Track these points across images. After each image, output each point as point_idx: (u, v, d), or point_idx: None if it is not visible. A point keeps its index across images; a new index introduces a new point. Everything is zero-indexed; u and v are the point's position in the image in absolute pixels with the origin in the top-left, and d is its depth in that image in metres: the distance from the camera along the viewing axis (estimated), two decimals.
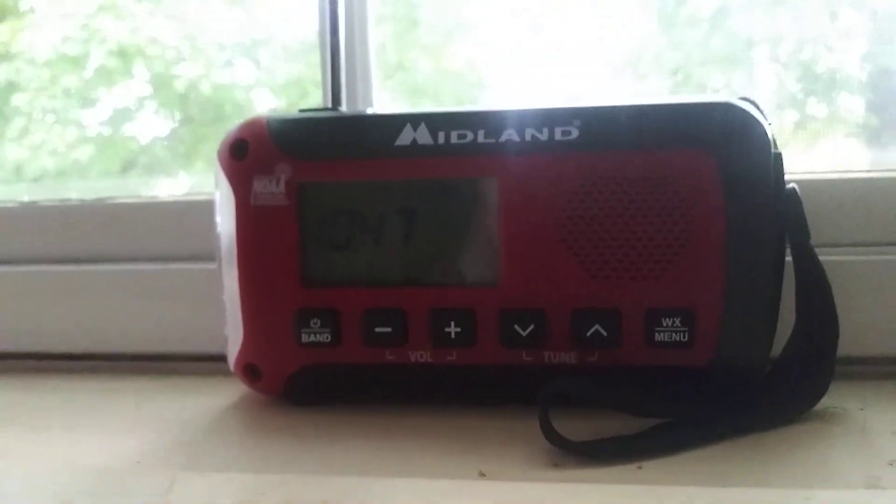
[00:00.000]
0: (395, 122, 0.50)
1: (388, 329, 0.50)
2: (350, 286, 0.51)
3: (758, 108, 0.49)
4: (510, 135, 0.48)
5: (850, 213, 0.58)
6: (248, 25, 0.80)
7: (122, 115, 0.82)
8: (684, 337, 0.47)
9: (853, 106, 0.69)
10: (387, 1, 0.74)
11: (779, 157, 0.47)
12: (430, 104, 0.76)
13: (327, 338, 0.51)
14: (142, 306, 0.68)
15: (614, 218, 0.47)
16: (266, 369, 0.53)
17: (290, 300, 0.51)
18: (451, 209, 0.50)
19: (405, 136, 0.49)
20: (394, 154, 0.49)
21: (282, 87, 0.79)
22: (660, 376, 0.48)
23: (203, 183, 0.77)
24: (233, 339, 0.53)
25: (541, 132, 0.48)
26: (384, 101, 0.74)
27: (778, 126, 0.66)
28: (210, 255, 0.55)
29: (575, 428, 0.44)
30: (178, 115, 0.82)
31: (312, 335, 0.51)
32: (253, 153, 0.51)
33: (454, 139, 0.49)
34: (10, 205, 0.73)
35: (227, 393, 0.58)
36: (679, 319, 0.47)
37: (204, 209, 0.56)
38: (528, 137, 0.48)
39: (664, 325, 0.47)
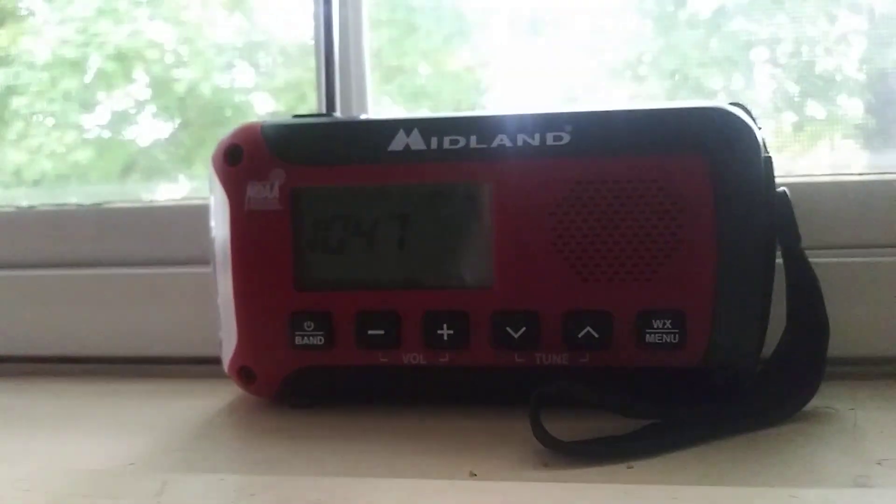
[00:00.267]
0: (388, 128, 0.50)
1: (381, 332, 0.50)
2: (343, 289, 0.51)
3: (748, 112, 0.49)
4: (502, 140, 0.49)
5: (840, 216, 0.58)
6: (247, 29, 0.80)
7: (121, 119, 0.82)
8: (675, 338, 0.48)
9: (851, 108, 0.69)
10: (385, 5, 0.74)
11: (769, 160, 0.47)
12: (430, 107, 0.76)
13: (321, 340, 0.51)
14: (137, 310, 0.68)
15: (605, 221, 0.48)
16: (260, 372, 0.53)
17: (284, 303, 0.51)
18: (443, 214, 0.50)
19: (398, 142, 0.50)
20: (387, 159, 0.50)
21: (281, 91, 0.79)
22: (651, 377, 0.49)
23: (203, 186, 0.78)
24: (227, 342, 0.54)
25: (532, 137, 0.49)
26: (384, 104, 0.74)
27: (776, 128, 0.67)
28: (205, 259, 0.55)
29: (566, 428, 0.44)
30: (177, 119, 0.82)
31: (306, 338, 0.51)
32: (247, 159, 0.51)
33: (447, 144, 0.49)
34: (6, 209, 0.74)
35: (221, 395, 0.58)
36: (670, 321, 0.48)
37: (199, 213, 0.56)
38: (520, 143, 0.49)
39: (655, 326, 0.48)
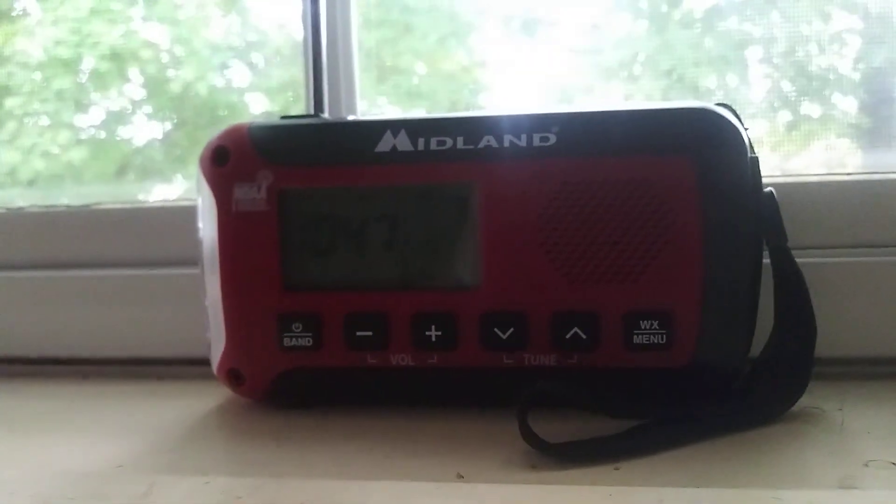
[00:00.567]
0: (375, 129, 0.50)
1: (370, 333, 0.50)
2: (331, 291, 0.51)
3: (735, 113, 0.49)
4: (489, 141, 0.49)
5: (831, 216, 0.58)
6: (241, 29, 0.81)
7: (116, 119, 0.82)
8: (662, 339, 0.48)
9: (846, 106, 0.69)
10: (380, 6, 0.74)
11: (755, 161, 0.48)
12: (425, 107, 0.76)
13: (309, 342, 0.51)
14: (125, 311, 0.69)
15: (592, 222, 0.48)
16: (248, 373, 0.53)
17: (272, 305, 0.51)
18: (431, 215, 0.50)
19: (385, 143, 0.50)
20: (374, 160, 0.50)
21: (276, 91, 0.80)
22: (638, 378, 0.49)
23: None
24: (216, 344, 0.54)
25: (519, 138, 0.49)
26: (379, 105, 0.74)
27: (771, 127, 0.67)
28: (195, 260, 0.55)
29: (553, 429, 0.44)
30: (172, 119, 0.82)
31: (294, 339, 0.51)
32: (234, 160, 0.52)
33: (434, 146, 0.49)
34: None
35: (211, 397, 0.58)
36: (657, 322, 0.48)
37: (188, 215, 0.56)
38: (506, 144, 0.49)
39: (642, 327, 0.48)
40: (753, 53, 0.70)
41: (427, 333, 0.50)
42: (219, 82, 0.80)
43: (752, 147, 0.48)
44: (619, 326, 0.48)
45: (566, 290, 0.48)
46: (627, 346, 0.48)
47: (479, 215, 0.49)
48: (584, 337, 0.48)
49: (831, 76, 0.69)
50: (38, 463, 0.48)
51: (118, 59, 0.80)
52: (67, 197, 0.78)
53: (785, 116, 0.70)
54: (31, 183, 0.83)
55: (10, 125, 0.83)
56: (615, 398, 0.47)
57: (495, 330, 0.49)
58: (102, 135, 0.83)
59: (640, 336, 0.48)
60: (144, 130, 0.83)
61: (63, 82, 0.81)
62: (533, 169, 0.48)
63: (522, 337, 0.49)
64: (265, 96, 0.81)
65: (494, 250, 0.49)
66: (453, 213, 0.50)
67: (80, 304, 0.70)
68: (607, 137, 0.48)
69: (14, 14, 0.82)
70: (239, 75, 0.81)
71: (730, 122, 0.48)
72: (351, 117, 0.67)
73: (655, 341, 0.48)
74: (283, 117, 0.54)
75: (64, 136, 0.82)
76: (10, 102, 0.82)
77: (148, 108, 0.82)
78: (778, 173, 0.64)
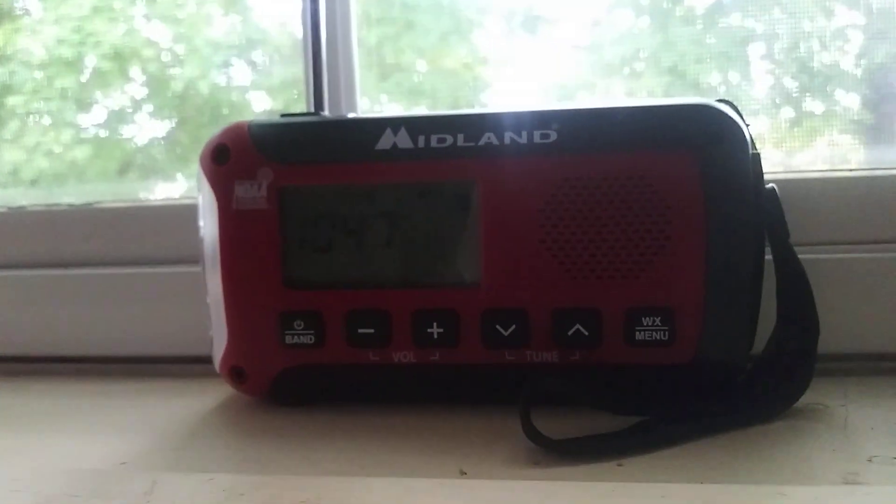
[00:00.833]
0: (375, 126, 0.50)
1: (372, 330, 0.51)
2: (333, 288, 0.51)
3: (736, 109, 0.49)
4: (489, 138, 0.49)
5: (834, 212, 0.58)
6: (242, 27, 0.81)
7: (118, 118, 0.82)
8: (665, 336, 0.48)
9: (849, 103, 0.69)
10: (381, 3, 0.74)
11: (757, 157, 0.48)
12: (427, 105, 0.76)
13: (311, 339, 0.51)
14: (128, 309, 0.69)
15: (593, 219, 0.48)
16: (251, 371, 0.53)
17: (274, 303, 0.52)
18: (431, 212, 0.50)
19: (386, 140, 0.50)
20: (375, 158, 0.50)
21: (277, 89, 0.80)
22: (640, 375, 0.49)
23: None
24: (218, 342, 0.54)
25: (520, 135, 0.49)
26: (381, 101, 0.74)
27: (773, 123, 0.67)
28: (195, 258, 0.55)
29: (556, 426, 0.44)
30: (174, 117, 0.82)
31: (296, 337, 0.51)
32: (234, 158, 0.52)
33: (434, 143, 0.49)
34: None
35: (213, 394, 0.59)
36: (659, 318, 0.48)
37: (190, 213, 0.57)
38: (507, 141, 0.49)
39: (645, 324, 0.48)
40: (756, 50, 0.70)
41: (429, 331, 0.50)
42: (220, 81, 0.80)
43: (753, 143, 0.48)
44: (621, 323, 0.48)
45: (568, 286, 0.48)
46: (629, 343, 0.48)
47: (479, 212, 0.49)
48: (585, 334, 0.48)
49: (834, 72, 0.69)
50: (41, 461, 0.48)
51: (120, 57, 0.80)
52: (70, 196, 0.78)
53: (787, 113, 0.70)
54: (34, 182, 0.84)
55: (13, 124, 0.83)
56: (617, 395, 0.48)
57: (497, 327, 0.49)
58: (104, 133, 0.83)
59: (642, 333, 0.48)
60: (146, 129, 0.83)
61: (65, 81, 0.82)
62: (534, 166, 0.48)
63: (524, 334, 0.49)
64: (267, 94, 0.81)
65: (495, 247, 0.49)
66: (454, 210, 0.50)
67: (83, 302, 0.70)
68: (608, 134, 0.48)
69: (16, 13, 0.82)
70: (240, 74, 0.81)
71: (731, 118, 0.48)
72: (351, 115, 0.67)
73: (658, 338, 0.48)
74: (284, 115, 0.54)
75: (66, 134, 0.83)
76: (12, 101, 0.82)
77: (149, 107, 0.83)
78: (780, 170, 0.64)
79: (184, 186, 0.81)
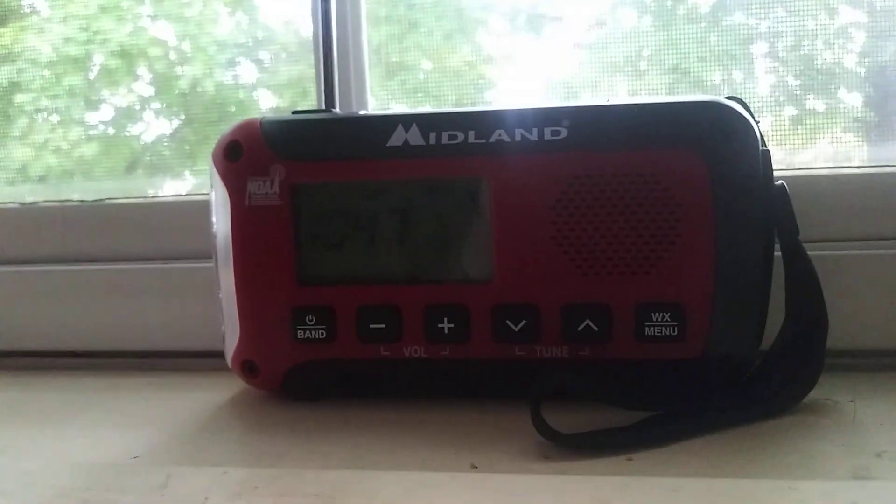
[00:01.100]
0: (386, 123, 0.51)
1: (383, 325, 0.51)
2: (344, 284, 0.52)
3: (745, 106, 0.49)
4: (500, 135, 0.49)
5: (840, 209, 0.59)
6: (248, 26, 0.81)
7: (125, 115, 0.83)
8: (674, 331, 0.48)
9: (852, 101, 0.70)
10: (386, 2, 0.75)
11: (767, 154, 0.48)
12: (432, 104, 0.76)
13: (322, 334, 0.52)
14: (140, 305, 0.69)
15: (604, 216, 0.48)
16: (263, 365, 0.54)
17: (286, 298, 0.52)
18: (443, 208, 0.51)
19: (397, 137, 0.50)
20: (386, 155, 0.50)
21: (283, 87, 0.80)
22: (650, 370, 0.49)
23: (206, 182, 0.78)
24: (230, 337, 0.54)
25: (530, 132, 0.49)
26: (383, 100, 0.74)
27: (776, 122, 0.67)
28: (208, 254, 0.56)
29: (566, 421, 0.44)
30: (181, 115, 0.82)
31: (308, 332, 0.52)
32: (247, 155, 0.52)
33: (445, 140, 0.50)
34: (10, 205, 0.74)
35: (225, 389, 0.59)
36: (669, 314, 0.48)
37: (201, 209, 0.57)
38: (517, 137, 0.49)
39: (654, 319, 0.48)
40: (759, 48, 0.70)
41: (440, 326, 0.50)
42: (227, 79, 0.81)
43: (763, 140, 0.48)
44: (631, 319, 0.49)
45: (578, 282, 0.49)
46: (639, 339, 0.49)
47: (490, 209, 0.49)
48: (595, 329, 0.49)
49: (837, 71, 0.69)
50: (54, 455, 0.48)
51: (127, 56, 0.80)
52: (78, 193, 0.78)
53: (790, 111, 0.70)
54: (42, 179, 0.84)
55: (22, 121, 0.83)
56: (627, 390, 0.48)
57: (507, 322, 0.50)
58: (112, 131, 0.83)
59: (651, 328, 0.48)
60: (153, 127, 0.83)
61: (73, 79, 0.82)
62: (544, 162, 0.49)
63: (534, 329, 0.49)
64: (273, 93, 0.81)
65: (506, 243, 0.49)
66: (465, 206, 0.50)
67: (94, 297, 0.70)
68: (618, 131, 0.49)
69: (23, 11, 0.82)
70: (246, 72, 0.81)
71: (741, 115, 0.48)
72: (362, 112, 0.68)
73: (667, 333, 0.48)
74: (295, 112, 0.54)
75: (74, 132, 0.83)
76: (20, 98, 0.82)
77: (157, 105, 0.83)
78: (783, 167, 0.65)
79: (191, 184, 0.81)
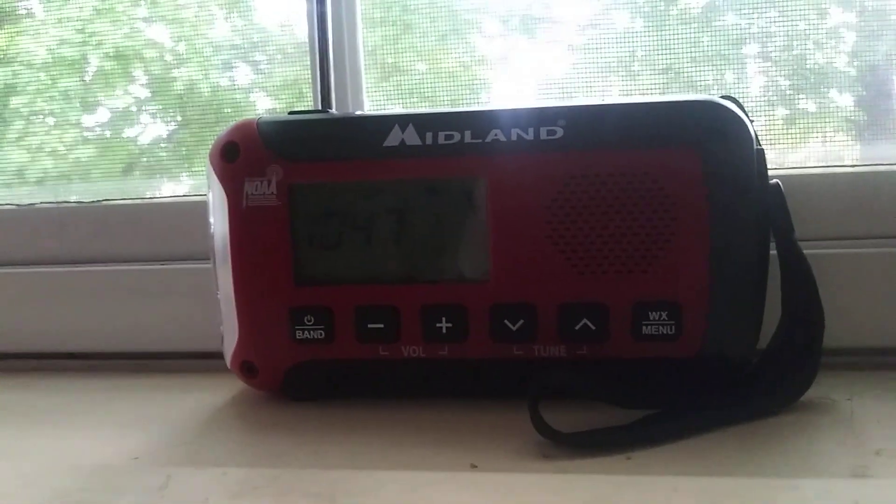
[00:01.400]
0: (383, 124, 0.51)
1: (381, 325, 0.51)
2: (342, 284, 0.52)
3: (740, 105, 0.49)
4: (496, 135, 0.49)
5: (835, 207, 0.59)
6: (244, 28, 0.81)
7: (121, 118, 0.83)
8: (671, 330, 0.48)
9: (842, 102, 0.70)
10: (380, 4, 0.75)
11: (761, 153, 0.48)
12: (426, 105, 0.77)
13: (321, 334, 0.52)
14: (138, 306, 0.69)
15: (600, 215, 0.48)
16: (262, 366, 0.54)
17: (284, 298, 0.52)
18: (439, 208, 0.51)
19: (394, 137, 0.50)
20: (383, 155, 0.50)
21: (279, 89, 0.80)
22: (648, 369, 0.49)
23: (202, 184, 0.78)
24: (229, 337, 0.54)
25: (526, 132, 0.49)
26: (378, 101, 0.74)
27: (768, 122, 0.67)
28: (206, 255, 0.56)
29: (565, 420, 0.44)
30: (177, 117, 0.82)
31: (306, 332, 0.52)
32: (244, 155, 0.52)
33: (442, 140, 0.50)
34: (8, 207, 0.74)
35: (224, 389, 0.59)
36: (666, 313, 0.48)
37: (199, 210, 0.57)
38: (514, 137, 0.49)
39: (651, 318, 0.48)
40: (750, 49, 0.70)
41: (437, 325, 0.50)
42: (222, 81, 0.81)
43: (757, 139, 0.49)
44: (628, 317, 0.49)
45: (575, 281, 0.49)
46: (636, 337, 0.49)
47: (487, 208, 0.50)
48: (593, 328, 0.49)
49: (828, 71, 0.69)
50: (53, 456, 0.48)
51: (122, 58, 0.80)
52: (76, 195, 0.78)
53: (782, 111, 0.70)
54: (39, 182, 0.84)
55: (18, 124, 0.83)
56: (625, 389, 0.48)
57: (505, 322, 0.50)
58: (109, 134, 0.83)
59: (648, 327, 0.48)
60: (150, 129, 0.83)
61: (68, 82, 0.82)
62: (540, 162, 0.49)
63: (532, 328, 0.50)
64: (268, 95, 0.81)
65: (503, 243, 0.50)
66: (462, 206, 0.50)
67: (92, 299, 0.70)
68: (614, 130, 0.49)
69: (19, 13, 0.82)
70: (242, 74, 0.81)
71: (735, 114, 0.48)
72: (359, 112, 0.68)
73: (664, 332, 0.48)
74: (292, 112, 0.55)
75: (70, 134, 0.83)
76: (16, 101, 0.82)
77: (153, 107, 0.83)
78: (775, 167, 0.65)
79: (188, 186, 0.81)
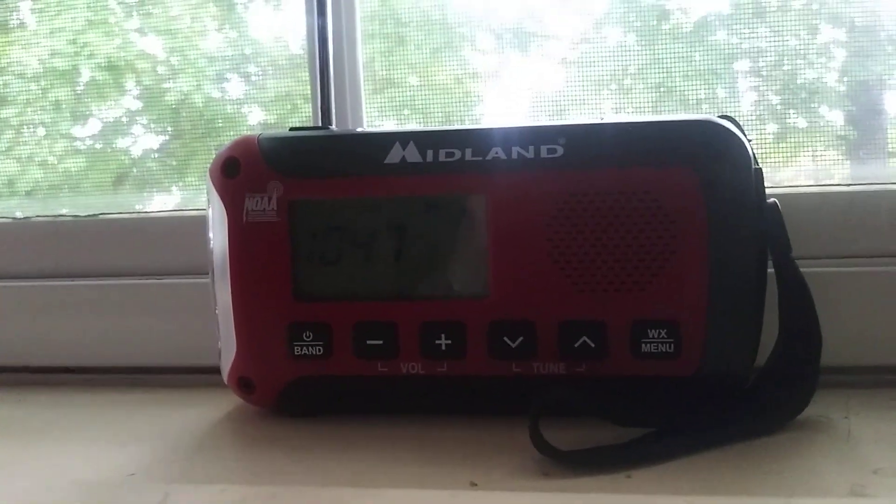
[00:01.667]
0: (384, 141, 0.51)
1: (380, 341, 0.51)
2: (341, 300, 0.52)
3: (738, 125, 0.50)
4: (497, 153, 0.49)
5: (831, 226, 0.59)
6: (237, 41, 0.81)
7: (113, 129, 0.82)
8: (670, 348, 0.48)
9: (832, 118, 0.70)
10: (374, 18, 0.75)
11: (759, 172, 0.48)
12: (419, 119, 0.77)
13: (319, 350, 0.51)
14: (134, 320, 0.69)
15: (599, 233, 0.48)
16: (259, 382, 0.54)
17: (283, 314, 0.52)
18: (439, 225, 0.51)
19: (394, 154, 0.50)
20: (383, 172, 0.50)
21: (272, 102, 0.80)
22: (646, 387, 0.49)
23: (195, 197, 0.78)
24: (226, 352, 0.54)
25: (527, 150, 0.49)
26: (373, 116, 0.74)
27: (759, 139, 0.68)
28: (202, 269, 0.55)
29: (564, 437, 0.44)
30: (169, 130, 0.82)
31: (305, 348, 0.52)
32: (244, 171, 0.52)
33: (442, 157, 0.50)
34: (3, 220, 0.74)
35: (221, 405, 0.59)
36: (664, 331, 0.48)
37: (195, 224, 0.57)
38: (514, 155, 0.49)
39: (650, 336, 0.48)
40: (741, 66, 0.71)
41: (436, 342, 0.50)
42: (214, 93, 0.80)
43: (755, 158, 0.49)
44: (627, 335, 0.49)
45: (574, 299, 0.49)
46: (635, 355, 0.49)
47: (487, 226, 0.50)
48: (592, 346, 0.49)
49: (818, 88, 0.70)
50: (49, 472, 0.48)
51: (114, 69, 0.80)
52: (66, 207, 0.78)
53: (772, 128, 0.71)
54: (29, 193, 0.83)
55: (8, 135, 0.83)
56: (624, 406, 0.48)
57: (504, 339, 0.50)
58: (99, 145, 0.83)
59: (648, 345, 0.49)
60: (141, 141, 0.83)
61: (60, 93, 0.81)
62: (540, 180, 0.49)
63: (531, 346, 0.50)
64: (261, 108, 0.81)
65: (502, 260, 0.50)
66: (462, 223, 0.50)
67: (88, 313, 0.70)
68: (614, 149, 0.49)
69: (10, 25, 0.82)
70: (235, 87, 0.81)
71: (733, 133, 0.48)
72: (360, 129, 0.68)
73: (663, 350, 0.48)
74: (293, 129, 0.55)
75: (61, 146, 0.82)
76: (6, 112, 0.82)
77: (144, 119, 0.82)
78: (768, 184, 0.65)
79: (179, 198, 0.81)
